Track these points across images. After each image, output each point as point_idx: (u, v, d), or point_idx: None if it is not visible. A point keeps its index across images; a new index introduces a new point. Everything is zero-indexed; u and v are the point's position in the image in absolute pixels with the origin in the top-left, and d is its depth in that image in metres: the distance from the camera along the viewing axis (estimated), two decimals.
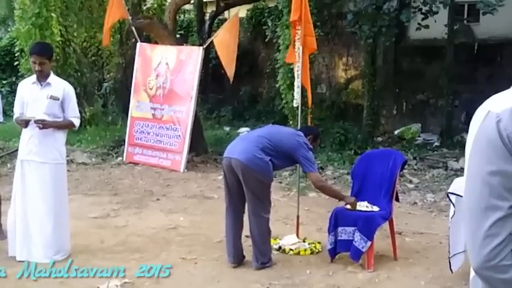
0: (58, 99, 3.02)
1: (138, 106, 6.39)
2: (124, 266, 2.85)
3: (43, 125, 2.95)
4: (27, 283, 2.75)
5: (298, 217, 3.46)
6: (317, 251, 3.26)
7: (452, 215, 2.64)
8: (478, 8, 6.21)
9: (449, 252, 2.67)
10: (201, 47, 6.04)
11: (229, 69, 5.65)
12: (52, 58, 3.11)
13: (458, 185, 2.57)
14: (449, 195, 2.62)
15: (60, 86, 3.07)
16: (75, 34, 8.02)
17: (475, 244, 0.81)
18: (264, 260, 2.94)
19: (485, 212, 0.80)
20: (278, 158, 2.86)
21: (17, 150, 4.89)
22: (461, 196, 2.55)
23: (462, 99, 8.08)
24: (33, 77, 3.10)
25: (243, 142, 2.94)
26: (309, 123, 3.66)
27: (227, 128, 8.56)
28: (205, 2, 9.71)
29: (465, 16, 8.27)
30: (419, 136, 8.05)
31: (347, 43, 8.77)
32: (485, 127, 0.82)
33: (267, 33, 7.98)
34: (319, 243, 3.34)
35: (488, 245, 0.79)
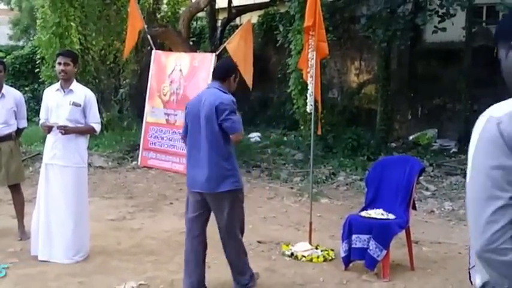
0: (80, 106, 3.15)
1: (153, 112, 6.48)
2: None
3: (65, 130, 3.07)
4: (48, 282, 2.82)
5: (311, 223, 3.41)
6: (330, 258, 3.20)
7: None
8: (497, 10, 6.04)
9: (469, 263, 2.56)
10: (214, 54, 6.08)
11: (248, 77, 5.66)
12: (76, 64, 3.24)
13: None
14: None
15: (82, 93, 3.19)
16: (93, 42, 8.25)
17: (478, 229, 0.92)
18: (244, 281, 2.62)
19: (487, 201, 0.91)
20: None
21: (39, 154, 5.00)
22: None
23: (481, 103, 7.86)
24: (57, 84, 3.25)
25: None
26: (319, 130, 3.59)
27: None
28: (218, 9, 9.79)
29: (484, 18, 8.07)
30: (435, 142, 7.85)
31: (359, 47, 8.67)
32: (488, 129, 0.95)
33: (278, 39, 7.97)
34: (332, 250, 3.27)
35: (489, 230, 0.90)
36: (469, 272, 2.83)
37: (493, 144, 0.93)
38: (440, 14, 6.10)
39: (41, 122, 3.28)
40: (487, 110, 1.01)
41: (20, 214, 3.59)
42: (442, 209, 4.57)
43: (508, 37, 1.03)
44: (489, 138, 0.94)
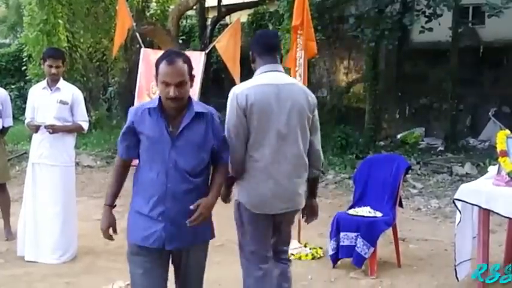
0: (67, 104, 3.12)
1: None
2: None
3: (53, 129, 3.04)
4: (34, 283, 2.79)
5: (299, 222, 3.43)
6: (318, 256, 3.23)
7: (459, 222, 2.60)
8: (483, 11, 6.15)
9: (455, 259, 2.63)
10: (203, 52, 6.05)
11: (236, 76, 5.68)
12: (65, 62, 3.22)
13: (464, 191, 2.52)
14: (456, 201, 2.58)
15: (69, 91, 3.16)
16: (81, 40, 8.16)
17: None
18: None
19: (236, 138, 1.94)
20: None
21: (25, 153, 4.91)
22: (467, 202, 2.51)
23: (467, 103, 8.01)
24: (44, 82, 3.22)
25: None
26: None
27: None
28: (207, 7, 9.75)
29: (470, 19, 8.20)
30: (422, 140, 7.97)
31: (348, 47, 8.74)
32: (232, 99, 1.96)
33: None
34: (320, 248, 3.30)
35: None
36: (455, 268, 2.91)
37: (231, 106, 1.94)
38: (427, 14, 6.18)
39: (27, 121, 3.23)
40: (234, 87, 1.99)
41: (5, 214, 3.54)
42: (429, 206, 4.65)
43: None
44: (231, 103, 1.95)
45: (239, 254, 2.09)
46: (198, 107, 1.73)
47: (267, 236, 2.03)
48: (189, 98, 1.73)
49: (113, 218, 1.81)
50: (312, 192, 2.13)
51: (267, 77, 1.96)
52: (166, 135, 1.68)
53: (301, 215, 2.20)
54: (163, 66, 1.66)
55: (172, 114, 1.70)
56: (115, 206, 1.84)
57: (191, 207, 1.67)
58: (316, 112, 2.05)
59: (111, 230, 1.79)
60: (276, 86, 1.94)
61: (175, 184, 1.67)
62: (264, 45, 2.00)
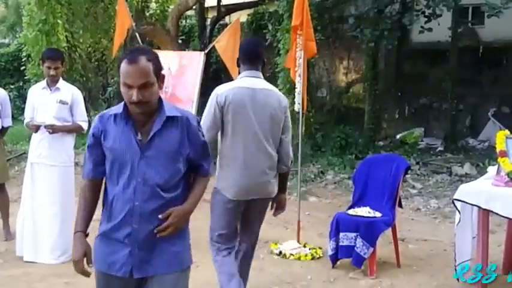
0: (67, 104, 3.12)
1: None
2: None
3: (53, 129, 3.04)
4: (33, 283, 2.78)
5: (299, 222, 3.43)
6: (318, 256, 3.23)
7: (458, 222, 2.60)
8: (482, 11, 6.14)
9: (455, 260, 2.62)
10: (203, 52, 6.05)
11: (234, 74, 5.69)
12: (64, 63, 3.21)
13: (464, 192, 2.52)
14: (455, 201, 2.58)
15: (68, 91, 3.16)
16: (80, 40, 8.15)
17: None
18: None
19: (207, 131, 2.10)
20: None
21: (24, 153, 4.90)
22: (467, 203, 2.51)
23: (466, 103, 8.01)
24: (43, 82, 3.21)
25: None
26: (304, 129, 3.63)
27: None
28: (207, 7, 9.75)
29: (469, 19, 8.20)
30: (422, 140, 7.97)
31: (348, 47, 8.74)
32: (212, 98, 2.21)
33: (267, 37, 7.98)
34: (320, 248, 3.30)
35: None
36: (455, 269, 2.89)
37: (213, 106, 2.19)
38: (426, 14, 6.18)
39: (26, 121, 3.22)
40: (217, 88, 2.27)
41: (4, 214, 3.54)
42: (428, 206, 4.65)
43: None
44: (211, 101, 2.21)
45: (209, 236, 2.33)
46: (171, 110, 1.45)
47: (235, 221, 2.30)
48: (160, 100, 1.45)
49: (88, 246, 1.47)
50: (281, 187, 2.33)
51: (246, 82, 2.24)
52: (135, 144, 1.42)
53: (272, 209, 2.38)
54: (124, 65, 1.40)
55: (141, 120, 1.43)
56: (88, 234, 1.50)
57: (160, 216, 1.42)
58: (288, 113, 2.28)
59: (85, 262, 1.45)
60: (252, 89, 2.21)
61: (143, 201, 1.42)
62: (246, 53, 2.27)
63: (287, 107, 2.28)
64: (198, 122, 1.53)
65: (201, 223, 4.34)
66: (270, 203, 2.34)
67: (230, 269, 2.25)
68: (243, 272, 2.35)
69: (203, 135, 1.54)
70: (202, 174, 1.56)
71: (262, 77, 2.28)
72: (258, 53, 2.26)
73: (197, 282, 2.80)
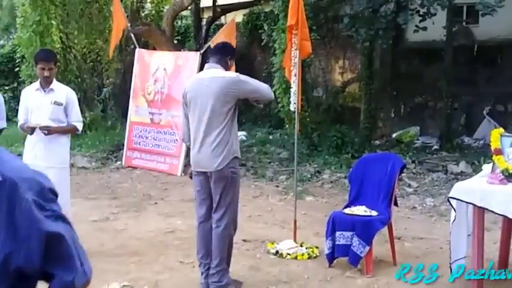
0: (61, 105, 3.10)
1: (137, 111, 6.42)
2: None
3: (48, 131, 3.02)
4: None
5: (295, 221, 3.43)
6: (314, 255, 3.23)
7: (453, 220, 2.61)
8: (477, 10, 6.17)
9: (450, 258, 2.64)
10: (199, 52, 6.04)
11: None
12: (57, 64, 3.20)
13: (459, 190, 2.53)
14: (450, 200, 2.59)
15: (63, 92, 3.15)
16: (75, 41, 8.11)
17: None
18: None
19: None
20: None
21: (19, 155, 4.86)
22: (462, 201, 2.52)
23: (462, 101, 8.05)
24: (36, 83, 3.18)
25: None
26: (299, 128, 3.66)
27: None
28: (202, 7, 9.73)
29: (464, 18, 8.25)
30: (417, 139, 8.00)
31: (343, 46, 8.76)
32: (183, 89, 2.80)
33: (263, 37, 7.98)
34: (316, 247, 3.30)
35: None
36: (450, 267, 2.91)
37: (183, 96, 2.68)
38: (421, 13, 6.21)
39: (20, 123, 3.20)
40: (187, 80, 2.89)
41: None
42: (424, 205, 4.67)
43: None
44: (183, 94, 2.70)
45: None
46: None
47: (201, 194, 2.66)
48: None
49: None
50: None
51: (204, 72, 2.68)
52: None
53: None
54: None
55: None
56: None
57: None
58: (240, 85, 2.57)
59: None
60: (205, 78, 2.62)
61: None
62: (211, 50, 2.91)
63: (235, 81, 2.56)
64: (51, 191, 0.82)
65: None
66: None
67: None
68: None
69: (57, 217, 0.81)
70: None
71: (221, 67, 2.63)
72: (218, 49, 2.71)
73: (197, 282, 2.81)
